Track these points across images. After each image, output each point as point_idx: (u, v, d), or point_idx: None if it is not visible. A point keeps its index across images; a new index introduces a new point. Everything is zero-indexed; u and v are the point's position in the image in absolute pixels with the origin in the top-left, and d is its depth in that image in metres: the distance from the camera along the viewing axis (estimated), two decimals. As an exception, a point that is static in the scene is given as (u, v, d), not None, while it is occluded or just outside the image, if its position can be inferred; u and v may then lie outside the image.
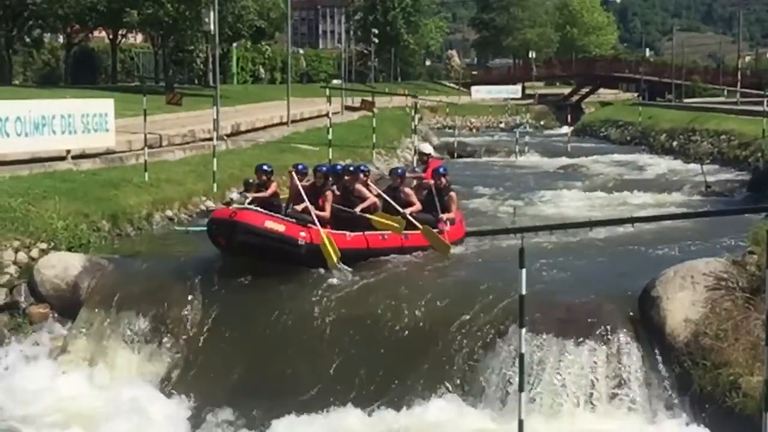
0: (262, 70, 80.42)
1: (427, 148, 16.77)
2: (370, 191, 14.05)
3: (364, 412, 10.28)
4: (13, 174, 16.93)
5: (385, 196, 14.00)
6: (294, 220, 12.63)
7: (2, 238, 13.27)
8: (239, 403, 10.74)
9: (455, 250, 14.18)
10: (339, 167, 14.50)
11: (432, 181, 14.68)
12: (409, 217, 13.56)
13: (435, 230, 13.88)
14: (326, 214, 13.04)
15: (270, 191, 13.84)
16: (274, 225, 12.31)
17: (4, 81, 51.94)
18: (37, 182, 16.29)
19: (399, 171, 14.81)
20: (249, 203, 13.23)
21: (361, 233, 13.20)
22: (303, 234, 12.46)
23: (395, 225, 13.18)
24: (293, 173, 13.51)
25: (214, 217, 12.78)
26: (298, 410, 10.35)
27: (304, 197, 12.98)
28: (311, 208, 12.85)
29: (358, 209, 13.28)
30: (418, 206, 14.02)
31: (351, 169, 14.07)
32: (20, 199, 14.60)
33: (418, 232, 13.67)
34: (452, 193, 14.62)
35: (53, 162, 18.63)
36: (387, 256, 13.25)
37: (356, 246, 13.03)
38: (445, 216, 14.19)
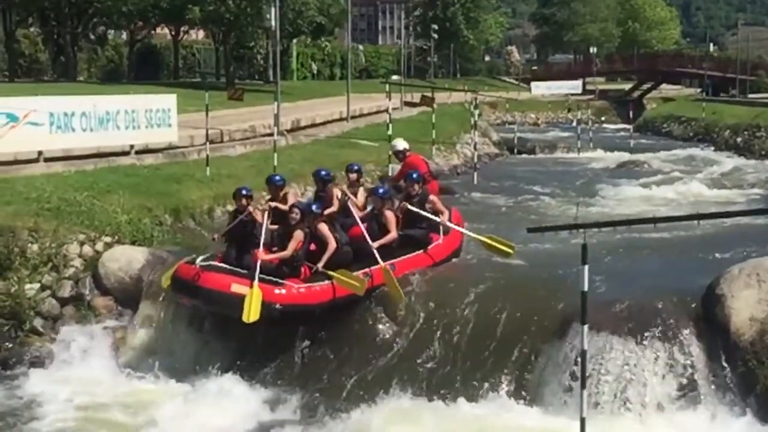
0: (314, 65, 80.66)
1: (400, 144, 15.20)
2: (356, 206, 12.70)
3: (420, 406, 10.27)
4: (79, 168, 17.23)
5: (361, 225, 12.19)
6: (268, 277, 11.00)
7: (68, 231, 13.51)
8: (302, 393, 10.84)
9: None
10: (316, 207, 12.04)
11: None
12: (376, 254, 11.69)
13: (422, 248, 12.53)
14: (286, 254, 11.35)
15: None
16: (242, 289, 10.83)
17: (69, 77, 52.99)
18: (102, 176, 16.56)
19: (380, 192, 12.61)
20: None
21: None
22: (278, 292, 10.94)
23: (356, 284, 11.27)
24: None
25: (178, 276, 11.39)
26: (355, 401, 10.43)
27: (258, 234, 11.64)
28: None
29: (320, 265, 11.34)
30: (392, 236, 12.22)
31: (313, 207, 11.85)
32: (85, 194, 14.86)
33: (403, 258, 12.15)
34: (431, 197, 12.92)
35: (117, 157, 18.90)
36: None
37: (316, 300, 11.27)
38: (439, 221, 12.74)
